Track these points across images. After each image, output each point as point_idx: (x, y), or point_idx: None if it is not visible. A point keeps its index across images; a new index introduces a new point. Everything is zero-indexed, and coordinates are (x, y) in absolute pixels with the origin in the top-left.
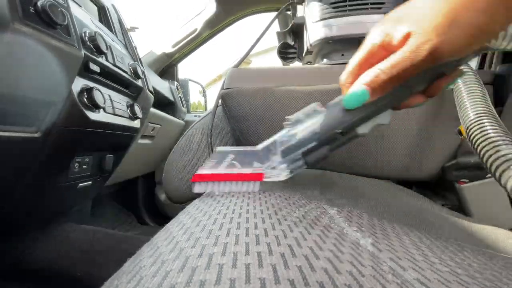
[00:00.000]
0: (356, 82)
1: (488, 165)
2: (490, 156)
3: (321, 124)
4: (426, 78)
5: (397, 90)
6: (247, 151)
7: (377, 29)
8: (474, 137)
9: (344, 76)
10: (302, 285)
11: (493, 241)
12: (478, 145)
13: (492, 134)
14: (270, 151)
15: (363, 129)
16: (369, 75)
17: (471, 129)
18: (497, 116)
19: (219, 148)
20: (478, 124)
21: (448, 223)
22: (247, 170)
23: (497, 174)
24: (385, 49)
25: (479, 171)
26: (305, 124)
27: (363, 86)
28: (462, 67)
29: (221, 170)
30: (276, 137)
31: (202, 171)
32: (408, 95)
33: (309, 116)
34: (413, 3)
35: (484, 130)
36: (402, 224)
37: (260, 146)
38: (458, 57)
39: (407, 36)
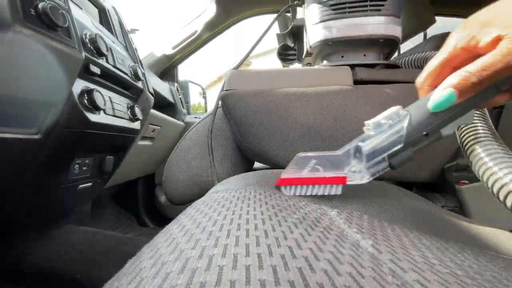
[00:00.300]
0: (442, 85)
1: (480, 173)
2: (482, 164)
3: (406, 127)
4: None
5: (484, 91)
6: (329, 155)
7: (462, 31)
8: (468, 146)
9: (421, 79)
10: (302, 286)
11: (494, 242)
12: (468, 148)
13: (486, 144)
14: (350, 155)
15: (447, 130)
16: (457, 78)
17: (465, 138)
18: (488, 117)
19: (301, 154)
20: (474, 132)
21: (448, 224)
22: (329, 174)
23: (489, 183)
24: (469, 52)
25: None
26: (388, 127)
27: (451, 89)
28: None
29: (305, 174)
30: (358, 141)
31: (286, 175)
32: (494, 95)
33: (392, 119)
34: (499, 6)
35: (478, 138)
36: (402, 226)
37: (341, 151)
38: None
39: (497, 39)
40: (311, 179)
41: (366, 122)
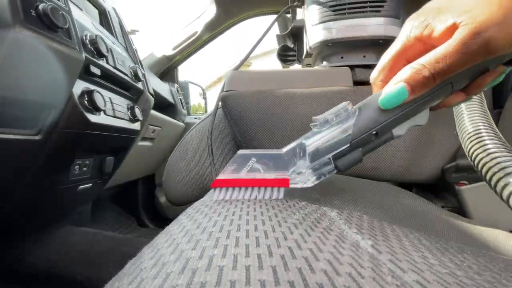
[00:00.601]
0: (394, 79)
1: (487, 178)
2: (488, 169)
3: (353, 125)
4: (469, 74)
5: (438, 88)
6: (270, 154)
7: (414, 20)
8: (470, 145)
9: (375, 73)
10: (301, 286)
11: (493, 243)
12: (473, 152)
13: (489, 145)
14: (295, 155)
15: (399, 131)
16: (408, 72)
17: (468, 138)
18: (494, 125)
19: (241, 151)
20: (476, 133)
21: (448, 225)
22: (271, 175)
23: (492, 182)
24: (423, 43)
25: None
26: (335, 125)
27: (402, 84)
28: None
29: (243, 175)
30: (302, 139)
31: (222, 176)
32: (449, 93)
33: (339, 116)
34: None
35: (482, 140)
36: (402, 226)
37: (284, 149)
38: None
39: (452, 28)
40: (250, 181)
41: (314, 118)
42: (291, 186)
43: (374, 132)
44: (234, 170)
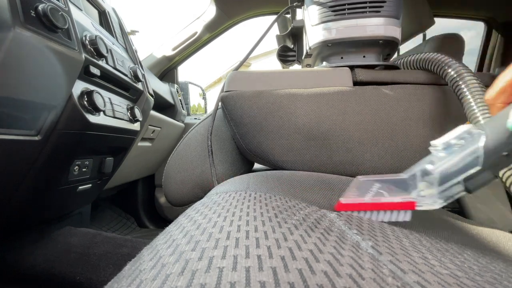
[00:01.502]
0: None
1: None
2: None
3: (484, 148)
4: None
5: None
6: (393, 179)
7: None
8: None
9: (493, 94)
10: None
11: (494, 243)
12: None
13: None
14: (417, 178)
15: None
16: None
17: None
18: None
19: (362, 178)
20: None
21: (448, 225)
22: (396, 199)
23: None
24: None
25: None
26: (461, 148)
27: None
28: (464, 74)
29: (368, 199)
30: (424, 164)
31: (346, 200)
32: None
33: (464, 139)
34: None
35: None
36: (402, 227)
37: (406, 174)
38: None
39: None
40: (375, 205)
41: (432, 143)
42: (417, 208)
43: (505, 153)
44: (358, 194)
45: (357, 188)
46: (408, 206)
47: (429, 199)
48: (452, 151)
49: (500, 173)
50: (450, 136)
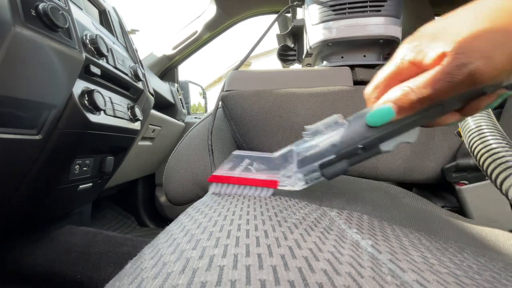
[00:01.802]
0: (382, 99)
1: (488, 172)
2: (490, 163)
3: (341, 137)
4: (462, 98)
5: (428, 109)
6: (263, 157)
7: (410, 44)
8: (473, 142)
9: (369, 89)
10: (301, 286)
11: (493, 242)
12: (475, 148)
13: (491, 140)
14: (286, 160)
15: (386, 146)
16: (396, 93)
17: (470, 135)
18: (495, 120)
19: (236, 152)
20: (478, 130)
21: (447, 224)
22: (262, 176)
23: (498, 182)
24: (417, 66)
25: (478, 172)
26: (325, 136)
27: (389, 104)
28: None
29: (237, 173)
30: (293, 146)
31: (219, 172)
32: (440, 115)
33: (330, 127)
34: (451, 18)
35: (483, 136)
36: (401, 226)
37: (276, 154)
38: (501, 81)
39: (442, 56)
40: (241, 179)
41: (305, 127)
42: (279, 187)
43: (361, 146)
44: (230, 168)
45: (231, 161)
46: (271, 184)
47: (291, 180)
48: (317, 137)
49: (499, 179)
50: (320, 123)
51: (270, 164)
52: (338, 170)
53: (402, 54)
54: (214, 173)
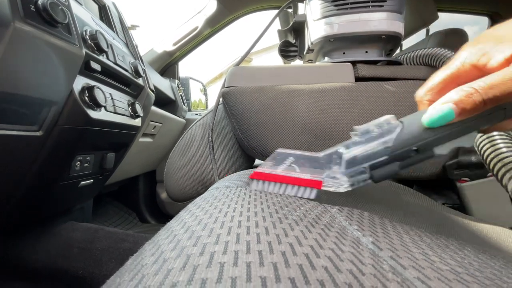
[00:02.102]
0: (442, 99)
1: (491, 166)
2: (492, 158)
3: (395, 139)
4: None
5: (489, 113)
6: (308, 156)
7: (473, 47)
8: (480, 140)
9: (422, 92)
10: (302, 283)
11: (494, 239)
12: (482, 147)
13: (497, 137)
14: (331, 160)
15: (441, 150)
16: (459, 93)
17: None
18: None
19: (280, 150)
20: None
21: (448, 221)
22: (305, 176)
23: (499, 175)
24: (479, 70)
25: (480, 169)
26: (376, 136)
27: (450, 105)
28: None
29: (280, 171)
30: (340, 146)
31: (261, 169)
32: (501, 119)
33: (381, 128)
34: None
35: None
36: (402, 223)
37: (321, 153)
38: None
39: (510, 59)
40: (285, 178)
41: (354, 127)
42: (323, 188)
43: (415, 148)
44: (272, 165)
45: (274, 159)
46: (315, 184)
47: (336, 181)
48: (367, 137)
49: (499, 175)
50: (371, 123)
51: (314, 164)
52: (388, 173)
53: (463, 57)
54: (256, 170)
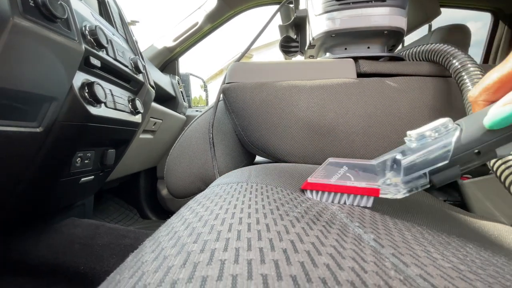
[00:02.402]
0: (504, 100)
1: (494, 167)
2: (497, 160)
3: (455, 142)
4: None
5: None
6: (362, 164)
7: None
8: None
9: (476, 92)
10: (304, 281)
11: (496, 237)
12: None
13: None
14: (386, 167)
15: (504, 150)
16: None
17: None
18: None
19: (332, 159)
20: None
21: (450, 219)
22: (361, 184)
23: (502, 177)
24: None
25: (482, 167)
26: (434, 141)
27: None
28: (468, 65)
29: (334, 180)
30: (396, 152)
31: (313, 179)
32: None
33: (438, 132)
34: None
35: None
36: (404, 220)
37: (375, 161)
38: None
39: None
40: (340, 187)
41: (408, 133)
42: (381, 196)
43: (476, 151)
44: (325, 175)
45: (326, 169)
46: (372, 192)
47: (393, 188)
48: (424, 142)
49: (498, 172)
50: (426, 127)
51: (368, 172)
52: (448, 177)
53: None
54: (308, 180)
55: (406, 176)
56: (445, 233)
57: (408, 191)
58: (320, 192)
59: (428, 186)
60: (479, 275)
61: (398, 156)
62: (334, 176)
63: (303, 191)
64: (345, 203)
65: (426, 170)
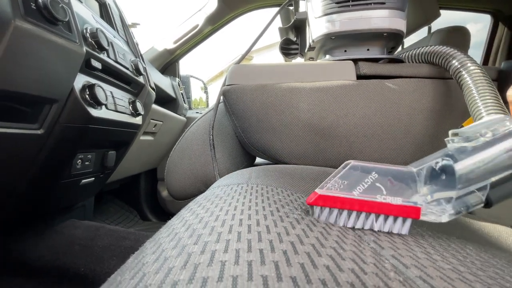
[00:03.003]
0: None
1: None
2: None
3: None
4: None
5: None
6: (397, 171)
7: None
8: None
9: None
10: (304, 282)
11: (496, 238)
12: None
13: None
14: (432, 176)
15: None
16: None
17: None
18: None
19: (355, 162)
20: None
21: (450, 220)
22: (396, 201)
23: None
24: None
25: None
26: (491, 142)
27: None
28: (468, 64)
29: (358, 194)
30: (440, 156)
31: (326, 191)
32: None
33: (495, 130)
34: None
35: None
36: None
37: (415, 168)
38: None
39: None
40: (366, 203)
41: (454, 131)
42: (421, 218)
43: None
44: (344, 185)
45: (345, 176)
46: (411, 212)
47: (438, 207)
48: (479, 144)
49: None
50: (476, 125)
51: (407, 182)
52: (510, 192)
53: None
54: (319, 192)
55: (461, 190)
56: (445, 234)
57: (456, 212)
58: (334, 210)
59: (482, 205)
60: (479, 276)
61: (445, 162)
62: (359, 186)
63: (309, 207)
64: (371, 228)
65: (488, 181)
